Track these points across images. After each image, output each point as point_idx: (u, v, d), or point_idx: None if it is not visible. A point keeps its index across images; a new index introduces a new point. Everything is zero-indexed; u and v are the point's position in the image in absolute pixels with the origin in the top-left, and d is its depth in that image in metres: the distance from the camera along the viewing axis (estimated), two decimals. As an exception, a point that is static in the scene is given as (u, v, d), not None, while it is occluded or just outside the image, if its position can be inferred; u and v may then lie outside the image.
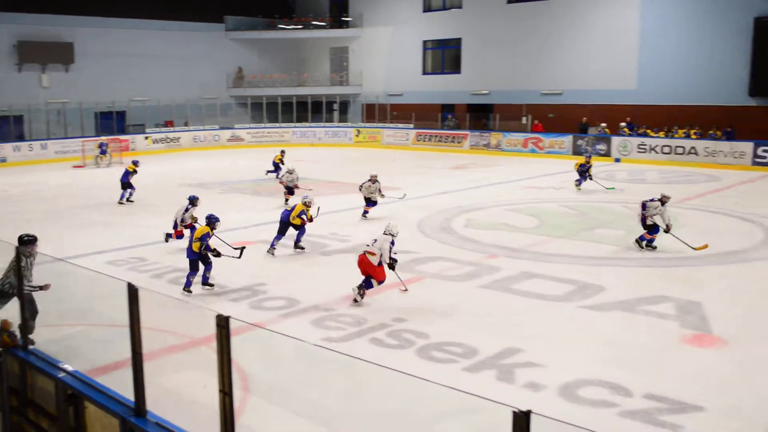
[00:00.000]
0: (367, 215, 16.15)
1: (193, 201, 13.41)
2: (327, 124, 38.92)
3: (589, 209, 17.42)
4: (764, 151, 25.47)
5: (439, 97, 37.38)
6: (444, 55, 37.88)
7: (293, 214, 12.59)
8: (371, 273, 9.93)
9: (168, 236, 13.42)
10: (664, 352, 8.23)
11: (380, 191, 16.17)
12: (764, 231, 14.55)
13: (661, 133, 28.57)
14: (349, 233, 14.45)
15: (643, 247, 13.01)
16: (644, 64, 30.34)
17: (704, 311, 9.51)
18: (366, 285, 9.93)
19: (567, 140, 30.16)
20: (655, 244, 13.01)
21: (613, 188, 20.09)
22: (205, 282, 10.62)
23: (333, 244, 13.59)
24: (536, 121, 32.72)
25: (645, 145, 28.20)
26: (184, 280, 10.54)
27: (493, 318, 9.44)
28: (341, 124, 39.15)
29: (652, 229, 12.86)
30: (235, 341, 4.25)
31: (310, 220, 12.72)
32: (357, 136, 37.35)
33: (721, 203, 18.11)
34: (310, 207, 12.74)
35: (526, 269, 11.68)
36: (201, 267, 10.52)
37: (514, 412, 2.99)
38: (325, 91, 40.42)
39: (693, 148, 27.01)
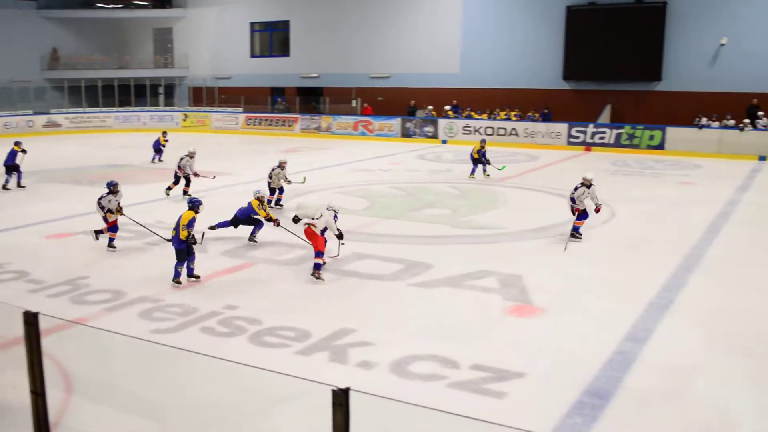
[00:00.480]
0: (281, 204, 15.66)
1: (112, 187, 11.81)
2: (152, 108, 37.44)
3: (417, 190, 17.90)
4: (578, 131, 27.25)
5: (268, 80, 37.00)
6: (272, 38, 37.49)
7: (259, 212, 11.72)
8: (313, 242, 10.27)
9: (98, 233, 11.85)
10: (488, 324, 8.60)
11: (286, 177, 15.62)
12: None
13: (484, 116, 29.90)
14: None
15: (579, 238, 12.60)
16: (467, 50, 31.57)
17: (524, 283, 10.03)
18: (316, 267, 10.18)
19: (396, 123, 30.80)
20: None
21: (504, 167, 20.06)
22: (191, 274, 10.04)
23: (159, 233, 13.10)
24: (366, 105, 33.16)
25: (469, 127, 29.35)
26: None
27: (325, 300, 9.47)
28: (167, 108, 37.87)
29: (582, 215, 12.62)
30: (54, 339, 3.97)
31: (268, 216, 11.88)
32: (184, 120, 36.23)
33: (540, 181, 19.18)
34: (263, 201, 11.93)
35: (357, 250, 11.81)
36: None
37: (333, 390, 3.00)
38: (148, 73, 38.86)
39: (514, 129, 28.44)
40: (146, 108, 37.31)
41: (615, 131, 26.76)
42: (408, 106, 31.61)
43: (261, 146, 28.55)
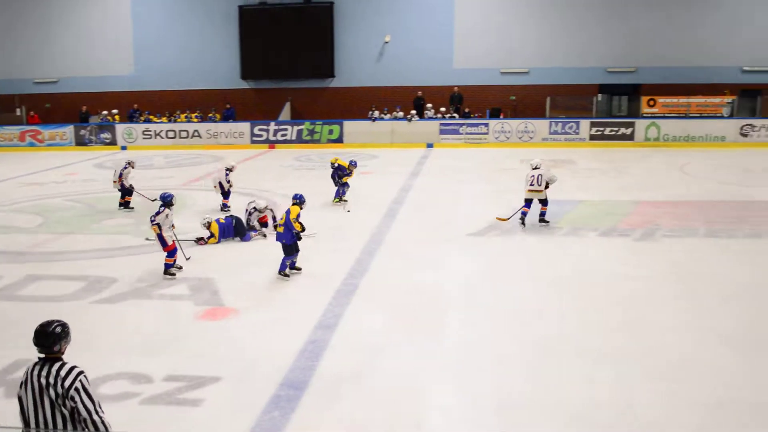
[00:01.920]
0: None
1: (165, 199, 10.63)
2: None
3: (96, 201, 16.83)
4: (260, 130, 27.59)
5: None
6: None
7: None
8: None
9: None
10: (180, 332, 8.33)
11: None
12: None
13: (164, 118, 29.00)
14: None
15: (547, 223, 13.36)
16: (140, 50, 30.36)
17: (216, 286, 9.89)
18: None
19: (69, 131, 28.65)
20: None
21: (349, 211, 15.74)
22: (293, 266, 10.38)
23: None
24: (32, 113, 30.40)
25: (150, 131, 28.30)
26: None
27: (-5, 331, 8.49)
28: None
29: (545, 202, 13.35)
30: None
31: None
32: None
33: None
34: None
35: (31, 272, 10.77)
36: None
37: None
38: None
39: (196, 131, 27.97)
40: None
41: (296, 128, 27.54)
42: (80, 112, 29.56)
43: None
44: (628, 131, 25.93)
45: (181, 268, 10.71)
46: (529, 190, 13.30)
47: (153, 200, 15.35)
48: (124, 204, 15.87)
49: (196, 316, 8.75)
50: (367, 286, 9.94)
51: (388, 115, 27.97)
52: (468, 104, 27.99)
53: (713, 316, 8.60)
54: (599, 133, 25.98)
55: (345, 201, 15.75)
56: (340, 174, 15.86)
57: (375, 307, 9.09)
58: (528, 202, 13.38)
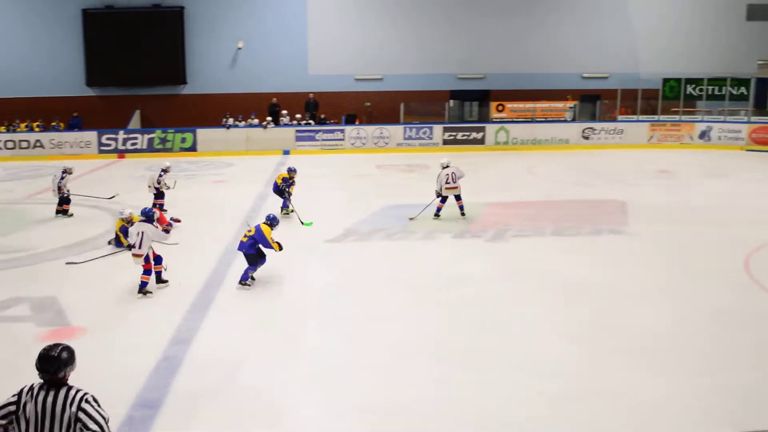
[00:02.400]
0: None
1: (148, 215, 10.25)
2: None
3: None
4: (108, 138, 26.39)
5: None
6: None
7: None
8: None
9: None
10: (20, 355, 7.76)
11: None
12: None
13: (2, 128, 27.18)
14: None
15: (464, 215, 14.32)
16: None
17: (61, 305, 9.35)
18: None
19: None
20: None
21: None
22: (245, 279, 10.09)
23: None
24: None
25: (-15, 141, 26.45)
26: None
27: None
28: None
29: (459, 196, 14.34)
30: None
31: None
32: None
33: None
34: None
35: None
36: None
37: None
38: None
39: (38, 141, 26.39)
40: None
41: (147, 136, 26.57)
42: None
43: None
44: (479, 135, 26.88)
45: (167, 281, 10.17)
46: (447, 188, 14.17)
47: (111, 198, 16.36)
48: (62, 212, 15.25)
49: (39, 338, 8.21)
50: (223, 297, 9.71)
51: (243, 123, 27.55)
52: (324, 110, 28.09)
53: (562, 312, 9.02)
54: (452, 137, 26.77)
55: (292, 211, 14.87)
56: (287, 185, 15.16)
57: (232, 319, 8.89)
58: (444, 199, 14.31)
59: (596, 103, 28.64)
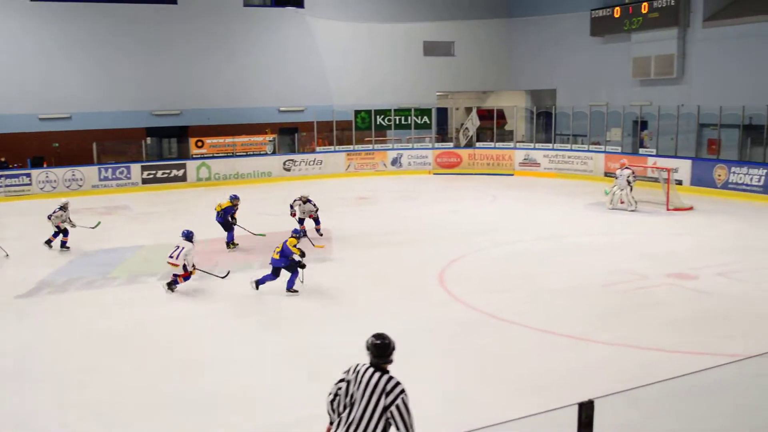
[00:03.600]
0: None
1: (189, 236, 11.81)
2: None
3: None
4: None
5: None
6: None
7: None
8: None
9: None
10: None
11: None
12: None
13: None
14: None
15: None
16: None
17: None
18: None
19: None
20: None
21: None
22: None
23: None
24: None
25: None
26: None
27: None
28: None
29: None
30: None
31: None
32: None
33: None
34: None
35: None
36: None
37: None
38: None
39: None
40: None
41: None
42: None
43: None
44: (180, 172, 26.25)
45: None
46: (301, 218, 16.09)
47: (94, 227, 16.10)
48: (62, 243, 15.21)
49: None
50: None
51: None
52: (4, 154, 25.55)
53: (276, 342, 9.03)
54: (151, 176, 25.82)
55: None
56: (229, 213, 15.34)
57: None
58: (302, 221, 15.95)
59: (295, 136, 29.46)
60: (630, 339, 9.09)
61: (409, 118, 29.47)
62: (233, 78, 29.16)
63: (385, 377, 4.62)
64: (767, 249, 14.29)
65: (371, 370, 4.67)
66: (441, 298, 11.16)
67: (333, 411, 4.80)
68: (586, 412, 3.94)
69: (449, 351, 8.81)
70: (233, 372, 8.21)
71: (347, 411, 4.65)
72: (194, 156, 26.84)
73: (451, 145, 29.99)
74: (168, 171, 26.13)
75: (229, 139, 27.47)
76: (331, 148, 28.89)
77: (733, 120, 22.45)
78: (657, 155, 23.71)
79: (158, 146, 28.27)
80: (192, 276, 11.73)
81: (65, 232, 15.25)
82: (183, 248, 11.50)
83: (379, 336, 4.76)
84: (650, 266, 12.81)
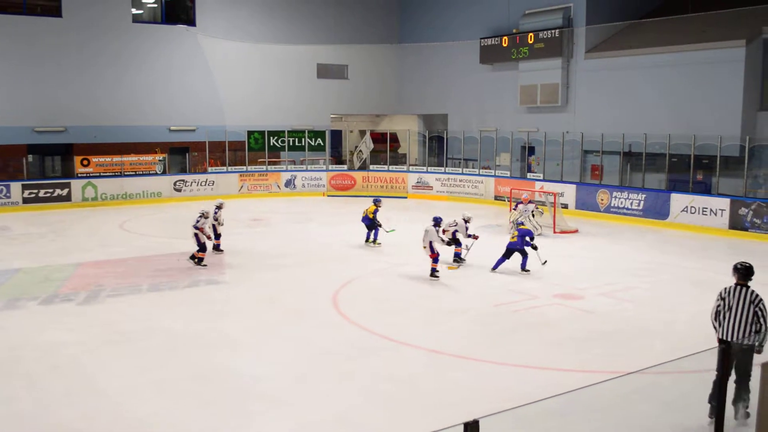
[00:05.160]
0: None
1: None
2: None
3: None
4: None
5: None
6: None
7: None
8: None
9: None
10: None
11: None
12: None
13: None
14: None
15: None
16: None
17: None
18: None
19: None
20: None
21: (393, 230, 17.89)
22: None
23: None
24: None
25: None
26: None
27: None
28: None
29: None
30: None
31: None
32: None
33: None
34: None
35: None
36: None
37: None
38: None
39: None
40: None
41: None
42: None
43: None
44: (65, 192, 25.16)
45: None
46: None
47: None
48: (215, 247, 16.50)
49: None
50: None
51: None
52: None
53: (164, 368, 8.73)
54: (33, 195, 24.63)
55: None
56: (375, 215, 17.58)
57: None
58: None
59: (186, 156, 28.83)
60: (519, 358, 9.31)
61: (303, 139, 29.44)
62: (122, 95, 28.27)
63: (748, 291, 7.09)
64: (647, 270, 15.00)
65: (739, 287, 7.14)
66: (334, 320, 11.12)
67: (716, 321, 7.24)
68: (471, 431, 3.98)
69: (343, 374, 8.77)
70: (103, 403, 7.88)
71: (728, 314, 7.09)
72: (80, 175, 25.78)
73: (345, 167, 30.14)
74: (51, 190, 24.99)
75: (117, 158, 26.57)
76: (224, 168, 28.44)
77: (614, 147, 23.57)
78: (544, 180, 24.58)
79: (41, 164, 27.06)
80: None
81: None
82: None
83: (743, 263, 7.26)
84: (539, 287, 13.22)
